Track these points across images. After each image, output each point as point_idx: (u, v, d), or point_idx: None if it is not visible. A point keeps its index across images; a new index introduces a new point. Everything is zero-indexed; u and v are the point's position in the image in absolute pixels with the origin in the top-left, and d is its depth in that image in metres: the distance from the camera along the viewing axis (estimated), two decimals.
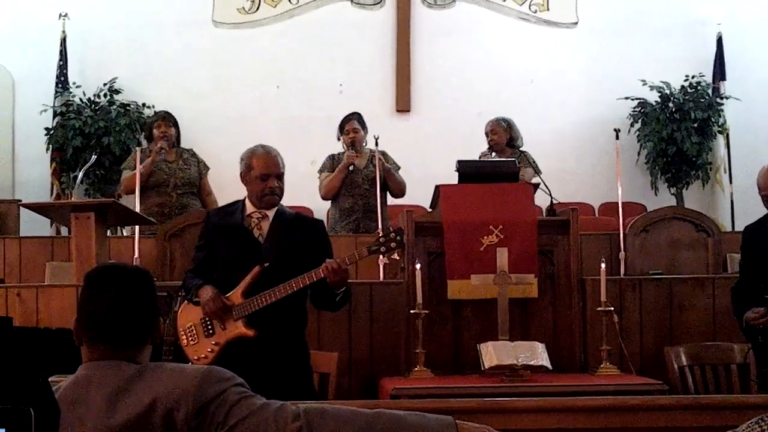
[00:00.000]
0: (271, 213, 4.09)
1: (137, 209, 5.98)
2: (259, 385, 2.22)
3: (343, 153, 6.73)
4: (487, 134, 6.89)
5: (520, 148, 6.89)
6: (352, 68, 9.48)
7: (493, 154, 6.71)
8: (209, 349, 4.01)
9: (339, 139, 6.80)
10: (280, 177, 4.08)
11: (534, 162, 6.77)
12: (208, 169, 6.95)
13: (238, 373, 2.18)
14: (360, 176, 6.63)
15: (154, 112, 9.02)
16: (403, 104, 9.45)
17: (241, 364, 3.62)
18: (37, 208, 5.87)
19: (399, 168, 6.79)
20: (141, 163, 6.33)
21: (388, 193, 6.71)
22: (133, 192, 6.35)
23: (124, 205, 5.56)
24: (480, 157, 6.72)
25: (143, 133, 7.57)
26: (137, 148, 6.86)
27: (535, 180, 5.94)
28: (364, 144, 6.75)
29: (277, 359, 3.92)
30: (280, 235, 4.03)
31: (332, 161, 6.78)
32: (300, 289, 3.90)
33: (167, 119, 6.91)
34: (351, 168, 6.61)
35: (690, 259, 6.16)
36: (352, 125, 6.71)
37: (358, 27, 9.57)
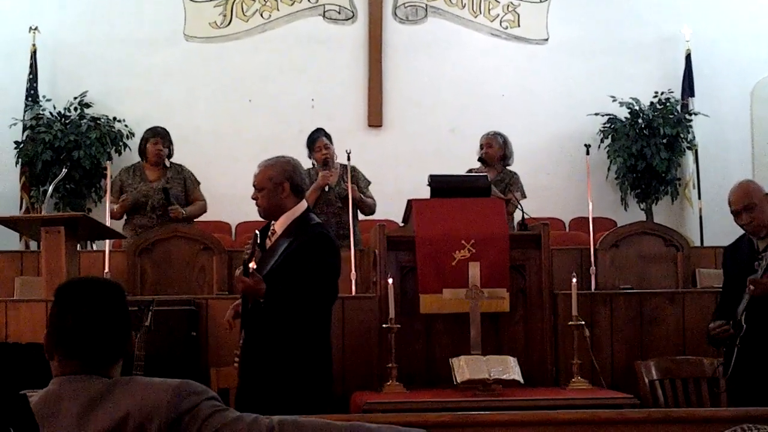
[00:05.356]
0: (278, 225, 4.06)
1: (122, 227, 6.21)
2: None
3: (313, 168, 6.71)
4: (481, 146, 6.86)
5: (509, 168, 6.87)
6: (325, 83, 9.48)
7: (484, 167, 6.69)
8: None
9: (309, 157, 6.75)
10: (257, 188, 4.08)
11: (521, 185, 6.79)
12: (198, 183, 6.83)
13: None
14: (332, 194, 6.59)
15: (125, 125, 9.02)
16: (375, 119, 9.46)
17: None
18: (6, 221, 5.81)
19: (369, 183, 6.79)
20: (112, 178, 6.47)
21: (359, 210, 6.71)
22: (119, 218, 6.58)
23: (94, 219, 5.53)
24: (470, 172, 6.70)
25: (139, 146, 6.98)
26: (107, 162, 6.80)
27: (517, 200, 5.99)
28: (335, 159, 6.73)
29: (264, 366, 3.91)
30: (271, 249, 4.02)
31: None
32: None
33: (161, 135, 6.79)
34: (326, 189, 6.60)
35: (659, 274, 6.22)
36: (322, 142, 6.68)
37: (331, 42, 9.59)
